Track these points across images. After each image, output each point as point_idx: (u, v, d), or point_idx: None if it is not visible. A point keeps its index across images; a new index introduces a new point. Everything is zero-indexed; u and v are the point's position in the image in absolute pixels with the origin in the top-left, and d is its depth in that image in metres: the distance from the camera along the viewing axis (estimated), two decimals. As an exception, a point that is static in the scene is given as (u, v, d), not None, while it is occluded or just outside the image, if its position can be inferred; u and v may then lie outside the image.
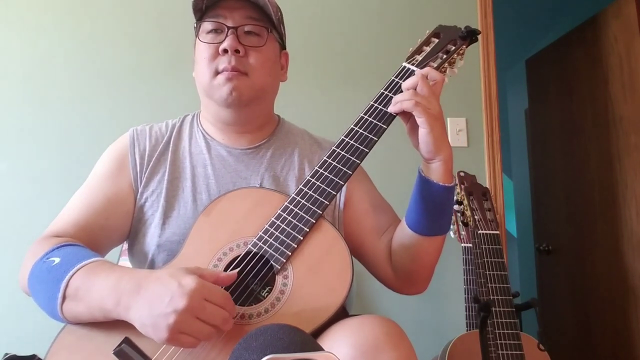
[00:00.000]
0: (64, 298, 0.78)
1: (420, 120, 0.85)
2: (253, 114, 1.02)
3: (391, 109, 0.89)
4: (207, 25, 0.98)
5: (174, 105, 1.89)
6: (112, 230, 0.97)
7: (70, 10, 1.92)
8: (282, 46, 1.07)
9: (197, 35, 1.00)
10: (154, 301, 0.71)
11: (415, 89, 0.86)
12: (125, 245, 1.06)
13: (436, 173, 0.88)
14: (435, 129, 0.85)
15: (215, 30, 0.97)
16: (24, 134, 1.84)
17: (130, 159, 0.99)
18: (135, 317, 0.73)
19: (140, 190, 0.98)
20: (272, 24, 1.00)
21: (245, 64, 0.96)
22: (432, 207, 0.90)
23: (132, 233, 1.00)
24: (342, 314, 0.82)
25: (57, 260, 0.81)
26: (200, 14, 1.00)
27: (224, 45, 0.95)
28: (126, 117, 1.88)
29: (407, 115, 0.88)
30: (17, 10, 1.89)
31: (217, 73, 0.96)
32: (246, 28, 0.97)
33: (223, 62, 0.95)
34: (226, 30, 0.96)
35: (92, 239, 0.93)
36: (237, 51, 0.95)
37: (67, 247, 0.85)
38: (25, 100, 1.86)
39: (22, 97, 1.86)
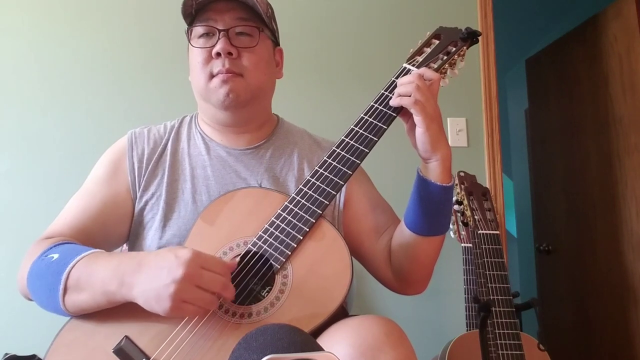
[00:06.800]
0: (65, 290, 0.79)
1: (417, 119, 0.85)
2: (251, 114, 1.02)
3: (391, 102, 0.90)
4: (198, 30, 0.98)
5: (174, 105, 1.89)
6: (109, 233, 0.97)
7: (71, 13, 1.92)
8: (276, 43, 1.07)
9: (189, 40, 1.01)
10: (154, 274, 0.74)
11: (415, 85, 0.87)
12: (124, 247, 1.06)
13: (434, 173, 0.88)
14: (431, 128, 0.86)
15: (207, 34, 0.98)
16: (24, 136, 1.84)
17: (127, 163, 1.00)
18: (138, 294, 0.75)
19: (139, 194, 0.98)
20: (263, 23, 1.00)
21: (239, 65, 0.96)
22: (430, 207, 0.90)
23: (132, 236, 1.00)
24: (342, 313, 0.83)
25: (56, 256, 0.82)
26: (191, 18, 1.00)
27: (217, 48, 0.95)
28: (126, 118, 1.88)
29: (407, 115, 0.89)
30: (16, 15, 1.89)
31: (212, 76, 0.96)
32: (237, 29, 0.97)
33: (217, 65, 0.95)
34: (217, 33, 0.96)
35: (90, 241, 0.92)
36: (230, 53, 0.95)
37: (65, 245, 0.86)
38: (26, 103, 1.85)
39: (22, 99, 1.85)
